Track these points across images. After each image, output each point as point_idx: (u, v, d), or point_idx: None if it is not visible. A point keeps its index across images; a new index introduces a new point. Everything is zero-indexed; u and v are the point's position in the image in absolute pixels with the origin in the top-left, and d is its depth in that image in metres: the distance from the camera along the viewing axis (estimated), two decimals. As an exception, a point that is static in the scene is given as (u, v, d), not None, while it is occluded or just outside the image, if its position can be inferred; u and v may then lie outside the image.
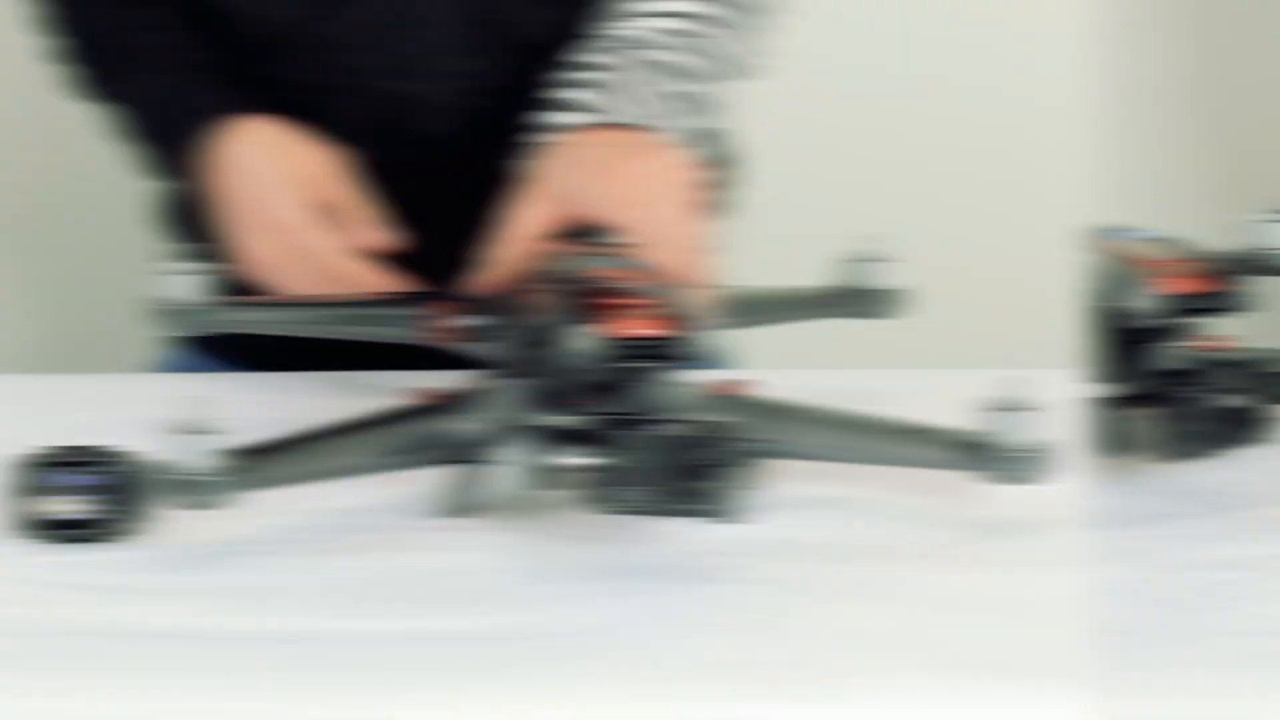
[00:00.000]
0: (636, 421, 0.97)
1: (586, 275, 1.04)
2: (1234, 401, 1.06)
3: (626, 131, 1.20)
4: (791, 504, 1.05)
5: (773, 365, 1.21)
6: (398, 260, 1.26)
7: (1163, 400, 1.08)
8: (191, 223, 1.35)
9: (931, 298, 1.28)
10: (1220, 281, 1.10)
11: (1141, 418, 1.09)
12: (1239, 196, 2.03)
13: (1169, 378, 1.08)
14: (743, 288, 1.22)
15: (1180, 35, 2.12)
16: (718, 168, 1.39)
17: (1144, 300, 1.10)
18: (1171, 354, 1.09)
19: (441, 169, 1.34)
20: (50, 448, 1.04)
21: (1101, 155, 1.84)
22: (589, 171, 1.17)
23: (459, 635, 0.93)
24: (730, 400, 1.06)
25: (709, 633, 0.94)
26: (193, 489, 0.97)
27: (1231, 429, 1.07)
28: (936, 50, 2.05)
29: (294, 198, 1.25)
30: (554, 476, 1.01)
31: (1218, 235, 1.18)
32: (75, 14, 1.36)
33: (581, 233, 1.13)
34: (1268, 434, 1.08)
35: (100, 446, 1.04)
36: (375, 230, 1.26)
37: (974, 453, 1.02)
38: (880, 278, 1.28)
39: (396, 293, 1.23)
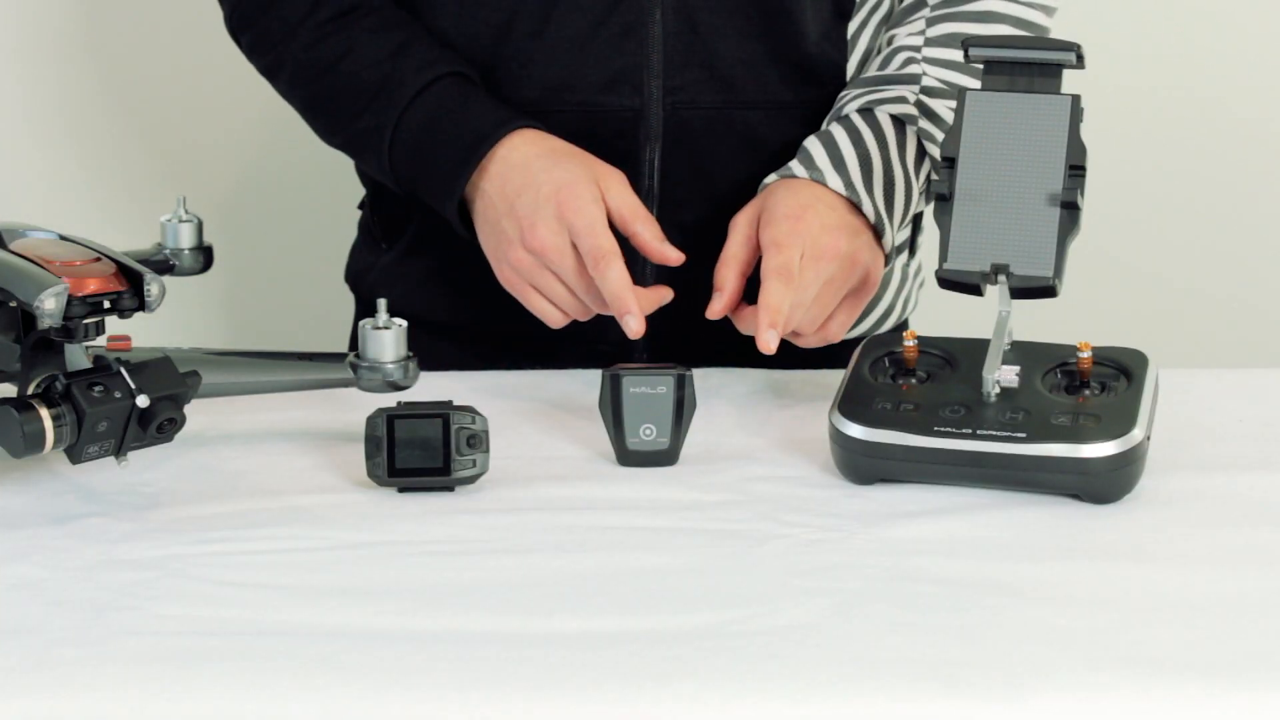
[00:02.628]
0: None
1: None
2: (140, 401, 1.08)
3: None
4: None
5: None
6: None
7: (68, 399, 1.08)
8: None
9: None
10: (124, 281, 1.11)
11: (45, 418, 1.08)
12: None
13: (74, 377, 1.08)
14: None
15: None
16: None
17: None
18: (76, 354, 1.11)
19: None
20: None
21: None
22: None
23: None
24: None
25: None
26: None
27: (138, 428, 1.09)
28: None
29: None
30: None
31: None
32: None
33: None
34: (171, 434, 1.11)
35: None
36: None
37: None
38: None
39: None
